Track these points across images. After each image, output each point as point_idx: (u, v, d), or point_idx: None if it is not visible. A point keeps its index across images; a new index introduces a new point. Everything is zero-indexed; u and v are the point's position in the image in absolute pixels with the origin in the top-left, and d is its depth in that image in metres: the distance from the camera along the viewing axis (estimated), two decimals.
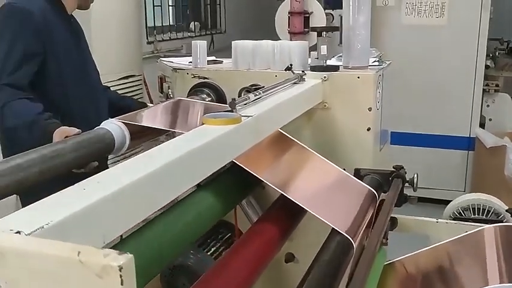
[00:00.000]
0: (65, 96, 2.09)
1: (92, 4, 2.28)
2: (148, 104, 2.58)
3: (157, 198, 1.09)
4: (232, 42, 2.48)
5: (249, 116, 1.55)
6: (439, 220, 2.28)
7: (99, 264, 0.57)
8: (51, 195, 0.91)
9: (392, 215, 2.04)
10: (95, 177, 1.00)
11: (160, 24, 5.65)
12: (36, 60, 1.96)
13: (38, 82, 1.99)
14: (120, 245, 1.14)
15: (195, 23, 6.25)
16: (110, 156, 1.87)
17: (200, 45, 2.50)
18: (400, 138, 4.16)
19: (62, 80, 2.08)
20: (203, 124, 1.47)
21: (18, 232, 0.72)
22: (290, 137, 1.99)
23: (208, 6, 6.71)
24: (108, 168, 1.35)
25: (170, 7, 5.96)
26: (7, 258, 0.61)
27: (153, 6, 5.38)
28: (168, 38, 5.70)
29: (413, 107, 4.54)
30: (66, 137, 1.64)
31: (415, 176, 2.17)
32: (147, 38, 5.26)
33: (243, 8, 7.20)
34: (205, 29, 6.53)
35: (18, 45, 1.93)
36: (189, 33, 6.10)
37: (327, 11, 4.65)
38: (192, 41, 2.56)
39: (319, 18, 4.38)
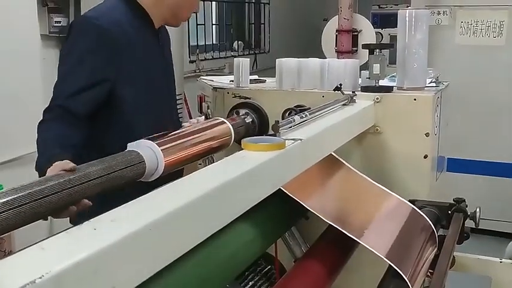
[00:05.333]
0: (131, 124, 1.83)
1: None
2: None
3: (186, 239, 0.92)
4: (277, 60, 2.32)
5: (294, 141, 1.37)
6: (503, 260, 2.06)
7: None
8: (54, 236, 0.75)
9: None
10: (109, 214, 0.83)
11: (203, 43, 5.56)
12: (103, 87, 1.71)
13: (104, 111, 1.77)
14: (148, 283, 0.98)
15: (239, 42, 6.16)
16: None
17: (243, 63, 2.34)
18: (457, 166, 3.90)
19: (136, 105, 1.82)
20: (242, 149, 1.30)
21: None
22: (343, 161, 1.82)
23: (253, 25, 6.62)
24: None
25: (213, 26, 5.88)
26: None
27: (196, 24, 5.30)
28: (210, 57, 5.61)
29: (470, 132, 4.27)
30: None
31: (478, 209, 1.96)
32: (189, 57, 5.17)
33: (287, 27, 7.07)
34: (249, 49, 6.43)
35: (86, 66, 1.68)
36: (232, 53, 6.00)
37: (375, 30, 4.47)
38: (235, 59, 2.40)
39: (368, 36, 4.19)
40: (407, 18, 2.16)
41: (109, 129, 1.80)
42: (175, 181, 1.07)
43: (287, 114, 2.04)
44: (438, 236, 1.78)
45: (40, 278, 0.62)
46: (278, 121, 1.43)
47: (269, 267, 2.25)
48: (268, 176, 1.23)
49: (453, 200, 1.93)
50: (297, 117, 1.55)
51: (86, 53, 1.70)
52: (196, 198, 0.94)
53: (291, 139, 1.38)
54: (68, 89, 1.67)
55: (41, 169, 1.47)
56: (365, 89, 2.15)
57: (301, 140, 1.40)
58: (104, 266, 0.72)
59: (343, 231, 1.45)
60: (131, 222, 0.80)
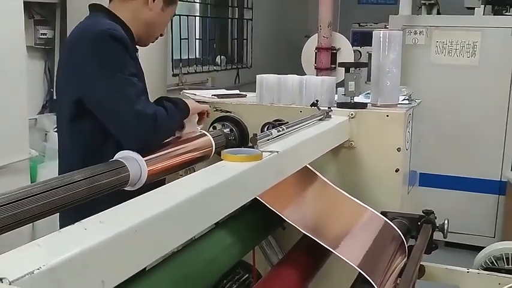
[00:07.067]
0: None
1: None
2: None
3: (168, 240, 1.00)
4: (257, 76, 2.41)
5: (271, 153, 1.46)
6: (470, 270, 2.16)
7: None
8: (48, 235, 0.83)
9: None
10: (98, 216, 0.91)
11: (186, 57, 5.64)
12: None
13: None
14: (126, 285, 1.05)
15: (221, 56, 6.25)
16: None
17: None
18: (428, 180, 4.02)
19: None
20: (222, 160, 1.39)
21: (1, 280, 0.62)
22: (318, 173, 1.90)
23: (235, 40, 6.72)
24: None
25: (197, 40, 5.97)
26: None
27: (180, 39, 5.39)
28: (193, 71, 5.69)
29: (442, 148, 4.40)
30: None
31: (446, 221, 2.05)
32: (172, 70, 5.24)
33: (270, 43, 7.19)
34: (231, 63, 6.52)
35: (129, 67, 1.74)
36: (214, 67, 6.09)
37: (354, 47, 4.59)
38: None
39: (346, 54, 4.32)
40: (381, 39, 2.27)
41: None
42: (158, 188, 1.15)
43: (266, 128, 2.13)
44: (408, 246, 1.87)
45: (38, 269, 0.70)
46: (256, 134, 1.52)
47: (247, 275, 2.32)
48: (245, 185, 1.32)
49: (422, 212, 2.02)
50: (274, 131, 1.64)
51: (123, 59, 1.72)
52: (178, 204, 1.02)
53: (268, 151, 1.46)
54: (139, 87, 1.71)
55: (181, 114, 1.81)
56: (340, 105, 2.25)
57: (277, 152, 1.48)
58: (93, 262, 0.79)
59: (318, 241, 1.53)
60: (118, 223, 0.88)
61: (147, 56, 3.79)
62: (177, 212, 1.01)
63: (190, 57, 5.74)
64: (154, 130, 1.67)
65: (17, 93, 2.98)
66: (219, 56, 6.22)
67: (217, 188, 1.16)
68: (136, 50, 1.96)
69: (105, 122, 1.74)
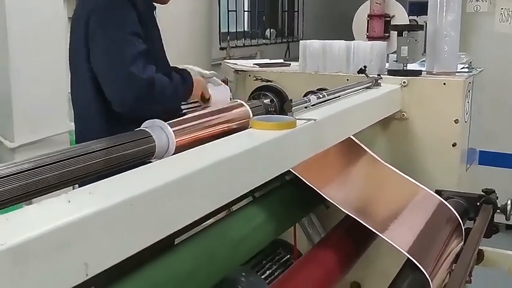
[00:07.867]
0: None
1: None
2: None
3: (174, 217, 0.85)
4: (301, 42, 2.24)
5: (307, 121, 1.29)
6: None
7: None
8: (25, 208, 0.69)
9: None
10: (89, 187, 0.78)
11: (235, 30, 5.50)
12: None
13: None
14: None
15: (271, 30, 6.08)
16: None
17: None
18: (489, 158, 3.74)
19: None
20: (250, 127, 1.23)
21: None
22: (364, 147, 1.73)
23: (286, 13, 6.52)
24: None
25: (245, 13, 5.82)
26: None
27: (228, 11, 5.24)
28: (241, 45, 5.55)
29: (504, 124, 4.09)
30: None
31: (509, 202, 1.85)
32: (219, 44, 5.11)
33: (321, 15, 6.95)
34: (282, 37, 6.34)
35: (132, 26, 1.69)
36: (264, 40, 5.93)
37: (411, 17, 4.32)
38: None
39: (401, 22, 4.05)
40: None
41: None
42: (172, 156, 1.01)
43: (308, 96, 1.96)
44: (465, 228, 1.69)
45: None
46: (291, 100, 1.36)
47: (288, 256, 2.19)
48: (274, 155, 1.16)
49: (482, 191, 1.83)
50: (313, 97, 1.47)
51: (124, 18, 1.68)
52: (189, 174, 0.87)
53: (304, 119, 1.30)
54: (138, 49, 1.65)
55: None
56: (392, 72, 2.07)
57: (314, 120, 1.32)
58: (72, 241, 0.66)
59: (364, 223, 1.38)
60: (111, 195, 0.74)
61: (190, 27, 3.70)
62: (186, 184, 0.87)
63: (238, 30, 5.59)
64: (147, 95, 1.61)
65: (57, 66, 2.93)
66: (268, 29, 6.06)
67: (238, 157, 1.00)
68: (154, 7, 1.87)
69: (99, 81, 1.68)
